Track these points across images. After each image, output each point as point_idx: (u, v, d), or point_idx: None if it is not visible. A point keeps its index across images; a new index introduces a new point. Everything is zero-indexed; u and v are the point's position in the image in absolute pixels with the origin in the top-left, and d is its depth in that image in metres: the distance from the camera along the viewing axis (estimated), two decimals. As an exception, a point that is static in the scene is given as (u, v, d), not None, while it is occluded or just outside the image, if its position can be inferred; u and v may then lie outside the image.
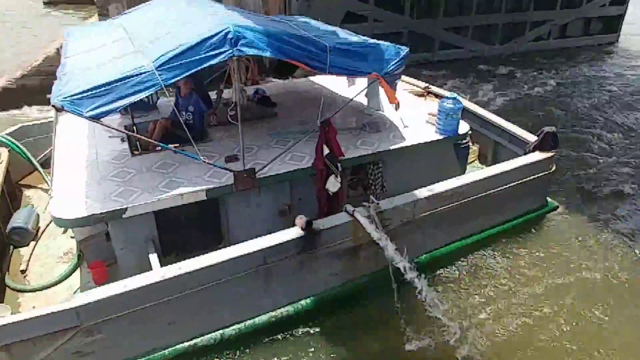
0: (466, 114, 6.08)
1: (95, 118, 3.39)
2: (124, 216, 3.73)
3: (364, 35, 4.82)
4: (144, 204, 3.75)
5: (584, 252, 5.01)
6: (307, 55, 3.96)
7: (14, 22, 12.62)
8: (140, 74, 3.48)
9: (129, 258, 3.96)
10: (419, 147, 4.78)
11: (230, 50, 3.59)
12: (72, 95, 3.32)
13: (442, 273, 4.72)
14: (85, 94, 3.35)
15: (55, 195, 3.83)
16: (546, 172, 5.08)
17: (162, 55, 3.55)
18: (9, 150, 5.26)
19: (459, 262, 4.84)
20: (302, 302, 4.09)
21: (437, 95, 6.49)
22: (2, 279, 4.19)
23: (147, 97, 4.13)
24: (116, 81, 3.43)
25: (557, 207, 5.52)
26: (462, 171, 5.24)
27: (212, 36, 3.57)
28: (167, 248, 4.11)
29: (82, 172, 4.16)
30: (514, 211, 5.11)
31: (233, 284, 3.69)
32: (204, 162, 3.89)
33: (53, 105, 3.28)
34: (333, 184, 4.30)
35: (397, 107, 4.80)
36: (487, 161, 5.96)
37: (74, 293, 4.03)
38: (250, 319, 3.90)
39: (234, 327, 3.85)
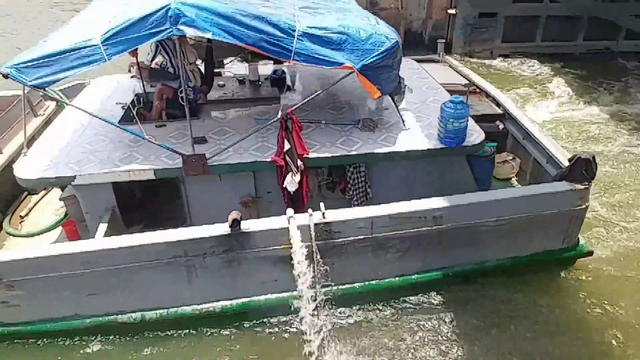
0: (511, 121, 5.13)
1: (38, 87, 3.52)
2: (73, 183, 3.88)
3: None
4: (89, 174, 3.85)
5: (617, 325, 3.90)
6: (265, 40, 3.58)
7: None
8: (86, 47, 3.48)
9: (94, 222, 4.12)
10: (411, 154, 4.12)
11: (170, 29, 3.41)
12: (19, 64, 3.47)
13: (386, 310, 4.07)
14: (31, 63, 3.47)
15: (28, 154, 4.13)
16: (574, 208, 4.01)
17: (109, 29, 3.51)
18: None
19: (424, 299, 4.14)
20: (233, 302, 3.87)
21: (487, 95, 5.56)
22: (2, 221, 4.73)
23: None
24: (62, 52, 3.49)
25: (592, 252, 4.36)
26: (483, 188, 4.41)
27: (154, 12, 3.41)
28: (127, 220, 4.21)
29: (65, 136, 4.41)
30: (523, 249, 4.17)
31: (154, 269, 3.63)
32: (148, 140, 3.84)
33: (0, 73, 3.47)
34: (290, 183, 3.93)
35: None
36: (525, 179, 4.95)
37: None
38: (173, 308, 3.83)
39: (155, 311, 3.82)
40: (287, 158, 3.90)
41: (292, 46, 3.64)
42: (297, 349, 3.68)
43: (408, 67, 5.58)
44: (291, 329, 3.89)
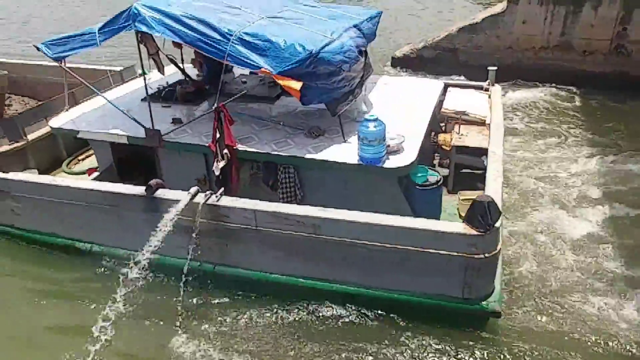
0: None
1: (55, 59, 4.77)
2: (77, 136, 5.08)
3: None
4: (86, 131, 5.00)
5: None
6: (203, 40, 4.18)
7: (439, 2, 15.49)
8: (88, 33, 4.61)
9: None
10: (327, 164, 4.22)
11: (130, 25, 4.29)
12: (47, 42, 4.78)
13: (259, 302, 4.26)
14: (53, 42, 4.74)
15: (68, 110, 5.50)
16: (468, 255, 3.59)
17: (104, 22, 4.56)
18: None
19: (301, 304, 4.20)
20: (150, 256, 4.52)
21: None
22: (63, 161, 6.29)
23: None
24: (73, 36, 4.69)
25: (499, 314, 3.77)
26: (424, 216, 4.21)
27: (124, 12, 4.32)
28: (120, 174, 5.28)
29: (100, 104, 5.64)
30: (416, 286, 3.89)
31: (98, 210, 4.56)
32: (122, 112, 4.78)
33: (34, 46, 4.83)
34: (215, 168, 4.45)
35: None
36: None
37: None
38: (105, 246, 4.70)
39: (99, 246, 4.76)
40: (217, 146, 4.43)
41: (226, 48, 4.16)
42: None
43: (398, 84, 5.66)
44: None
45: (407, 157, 4.15)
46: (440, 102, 5.55)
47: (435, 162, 5.53)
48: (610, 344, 3.76)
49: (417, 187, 4.30)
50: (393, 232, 3.71)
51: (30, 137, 5.73)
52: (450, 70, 9.29)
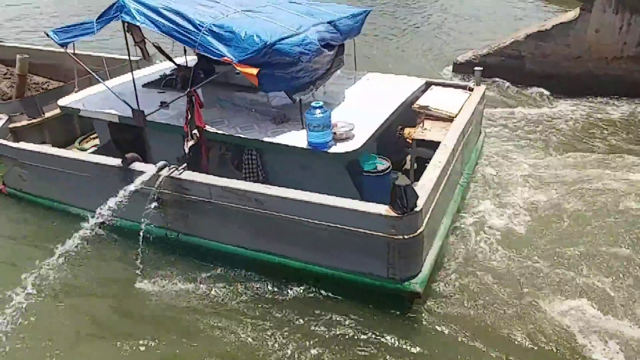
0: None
1: (61, 45, 5.41)
2: (79, 114, 5.72)
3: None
4: (85, 110, 5.62)
5: None
6: (177, 30, 4.64)
7: (502, 7, 15.52)
8: (88, 23, 5.21)
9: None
10: (276, 147, 4.58)
11: (118, 16, 4.82)
12: (55, 30, 5.43)
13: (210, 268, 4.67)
14: (61, 30, 5.38)
15: (77, 92, 6.17)
16: (389, 236, 3.83)
17: (100, 13, 5.15)
18: None
19: (250, 274, 4.57)
20: (127, 222, 5.05)
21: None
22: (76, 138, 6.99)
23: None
24: (76, 25, 5.31)
25: (418, 294, 3.96)
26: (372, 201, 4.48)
27: (114, 4, 4.86)
28: (118, 150, 5.88)
29: (107, 87, 6.27)
30: (347, 264, 4.16)
31: (89, 179, 5.13)
32: (114, 93, 5.34)
33: (45, 33, 5.50)
34: (184, 147, 4.92)
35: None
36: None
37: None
38: (90, 210, 5.21)
39: (87, 212, 5.33)
40: (188, 127, 4.90)
41: (198, 38, 4.62)
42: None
43: (378, 80, 6.00)
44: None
45: (353, 144, 4.43)
46: (415, 99, 5.76)
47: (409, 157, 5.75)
48: (531, 339, 3.84)
49: (364, 173, 4.56)
50: (323, 210, 4.01)
51: (47, 114, 6.45)
52: (515, 79, 9.14)
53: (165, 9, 4.71)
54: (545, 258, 4.64)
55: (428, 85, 6.24)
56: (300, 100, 4.85)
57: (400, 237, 3.83)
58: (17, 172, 5.72)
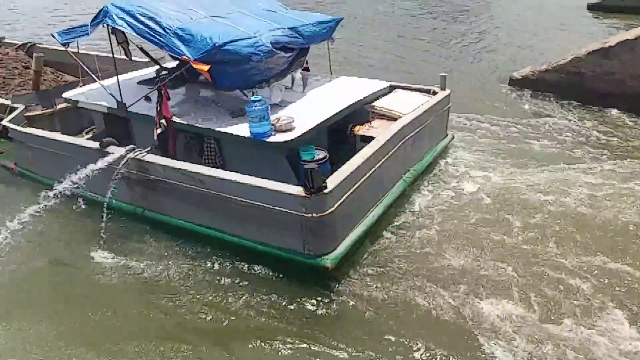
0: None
1: (62, 45, 6.27)
2: (78, 105, 6.57)
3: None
4: (82, 101, 6.45)
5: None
6: (149, 33, 5.34)
7: (554, 22, 15.93)
8: (84, 26, 6.05)
9: None
10: (228, 136, 5.16)
11: (103, 20, 5.60)
12: (59, 32, 6.32)
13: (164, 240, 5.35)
14: (64, 31, 6.26)
15: (81, 86, 7.04)
16: (300, 214, 4.31)
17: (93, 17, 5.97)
18: None
19: (196, 247, 5.19)
20: (91, 194, 5.77)
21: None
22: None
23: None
24: (75, 27, 6.17)
25: (328, 269, 4.39)
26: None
27: (101, 10, 5.65)
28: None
29: (109, 83, 7.12)
30: (271, 240, 4.68)
31: (74, 159, 5.92)
32: (102, 86, 6.14)
33: (51, 34, 6.40)
34: (154, 134, 5.62)
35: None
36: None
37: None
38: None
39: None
40: (158, 117, 5.59)
41: (165, 40, 5.32)
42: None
43: (341, 82, 6.53)
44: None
45: (290, 135, 4.95)
46: (376, 100, 6.21)
47: None
48: (435, 330, 4.14)
49: (301, 162, 5.05)
50: (249, 189, 4.55)
51: (59, 106, 7.38)
52: (574, 96, 9.05)
53: (140, 15, 5.45)
54: (464, 257, 4.91)
55: (393, 88, 6.67)
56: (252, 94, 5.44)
57: (310, 215, 4.30)
58: (26, 154, 6.64)
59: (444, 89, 6.70)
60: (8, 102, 7.33)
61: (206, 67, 5.00)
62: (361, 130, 5.66)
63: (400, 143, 5.50)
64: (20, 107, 7.06)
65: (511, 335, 4.00)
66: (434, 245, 5.08)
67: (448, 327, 4.12)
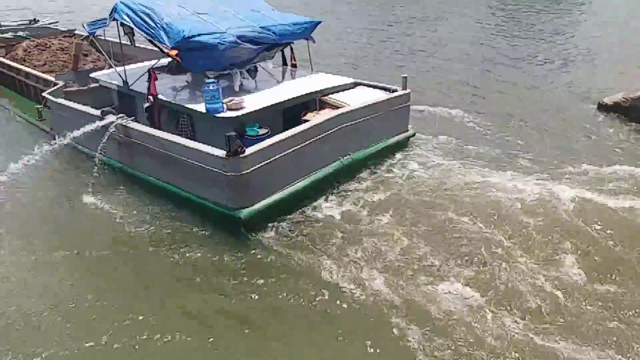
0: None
1: (89, 34, 7.79)
2: (98, 83, 8.07)
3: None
4: (101, 80, 7.94)
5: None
6: (144, 26, 6.65)
7: None
8: (104, 19, 7.52)
9: None
10: (194, 112, 6.33)
11: (113, 15, 7.01)
12: (89, 22, 7.85)
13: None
14: (92, 23, 7.78)
15: (107, 68, 8.55)
16: (223, 172, 5.35)
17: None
18: None
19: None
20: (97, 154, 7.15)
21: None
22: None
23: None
24: (100, 20, 7.66)
25: (241, 220, 5.38)
26: None
27: (114, 7, 7.07)
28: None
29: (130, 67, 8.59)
30: (200, 191, 5.82)
31: (80, 122, 7.36)
32: (115, 69, 7.57)
33: (82, 25, 7.95)
34: (143, 106, 6.92)
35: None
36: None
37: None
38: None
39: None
40: (147, 94, 6.89)
41: (154, 32, 6.60)
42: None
43: (311, 77, 7.43)
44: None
45: (237, 113, 6.01)
46: (333, 92, 7.12)
47: None
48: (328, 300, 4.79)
49: (246, 136, 6.09)
50: (191, 152, 5.67)
51: (92, 85, 8.99)
52: None
53: (140, 11, 6.78)
54: (374, 236, 5.60)
55: (357, 84, 7.54)
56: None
57: (229, 174, 5.33)
58: (56, 119, 8.26)
59: (405, 89, 7.44)
60: (52, 79, 9.05)
61: (174, 52, 6.22)
62: (308, 116, 6.59)
63: (335, 129, 6.35)
64: (60, 83, 8.73)
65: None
66: (346, 223, 5.87)
67: (331, 283, 4.94)
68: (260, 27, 6.94)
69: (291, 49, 8.16)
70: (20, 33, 13.40)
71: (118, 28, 7.21)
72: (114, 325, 4.41)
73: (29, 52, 11.67)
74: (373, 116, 6.92)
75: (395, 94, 7.28)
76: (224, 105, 6.12)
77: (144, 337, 4.28)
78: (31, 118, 9.20)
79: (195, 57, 6.41)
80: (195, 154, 5.62)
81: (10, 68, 10.50)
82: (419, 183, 6.62)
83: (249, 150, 5.38)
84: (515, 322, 4.35)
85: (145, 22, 6.67)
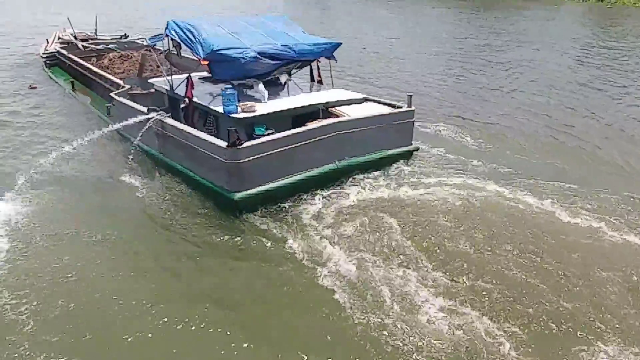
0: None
1: (150, 45, 9.38)
2: (154, 88, 9.62)
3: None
4: (155, 85, 9.47)
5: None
6: (187, 41, 8.05)
7: None
8: (161, 34, 9.07)
9: None
10: (215, 112, 7.55)
11: (166, 33, 8.49)
12: (151, 36, 9.45)
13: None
14: (152, 37, 9.37)
15: (164, 76, 10.12)
16: (224, 160, 6.45)
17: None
18: None
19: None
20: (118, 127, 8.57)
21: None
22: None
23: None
24: (159, 35, 9.24)
25: (235, 202, 6.40)
26: None
27: (166, 25, 8.56)
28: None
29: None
30: (204, 174, 6.98)
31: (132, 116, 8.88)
32: (166, 77, 9.06)
33: (147, 39, 9.56)
34: (180, 107, 8.28)
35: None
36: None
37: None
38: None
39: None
40: (184, 97, 8.25)
41: (193, 46, 7.96)
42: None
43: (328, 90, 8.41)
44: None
45: (248, 115, 7.13)
46: (342, 105, 8.06)
47: None
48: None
49: (253, 134, 7.19)
50: (202, 142, 6.85)
51: (151, 89, 10.62)
52: None
53: (185, 29, 8.19)
54: (360, 227, 6.41)
55: (366, 100, 8.44)
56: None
57: (229, 162, 6.43)
58: (117, 114, 9.92)
59: (410, 106, 8.20)
60: (120, 82, 10.82)
61: (205, 62, 7.51)
62: (310, 123, 7.56)
63: (331, 134, 7.25)
64: (127, 86, 10.44)
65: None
66: (332, 216, 6.72)
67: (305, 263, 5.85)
68: (282, 45, 8.08)
69: (317, 67, 9.24)
70: (111, 45, 15.75)
71: (169, 42, 8.70)
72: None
73: (113, 61, 13.79)
74: (372, 127, 7.74)
75: (398, 110, 8.06)
76: (239, 108, 7.27)
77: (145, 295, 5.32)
78: (102, 113, 10.99)
79: (222, 67, 7.67)
80: (205, 144, 6.80)
81: (94, 73, 12.54)
82: (414, 189, 7.33)
83: (247, 144, 6.45)
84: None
85: (188, 37, 8.07)
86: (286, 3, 40.28)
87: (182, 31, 8.18)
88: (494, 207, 6.80)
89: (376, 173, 7.81)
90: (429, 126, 10.25)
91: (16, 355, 4.42)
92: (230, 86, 7.26)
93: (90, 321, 4.88)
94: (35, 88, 13.53)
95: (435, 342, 4.56)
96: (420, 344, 4.54)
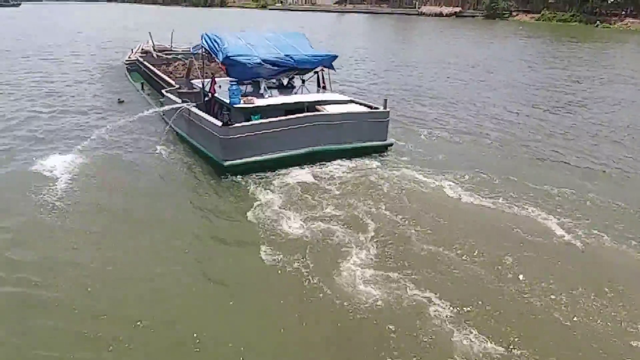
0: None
1: (192, 53, 11.89)
2: (193, 87, 12.08)
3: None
4: (194, 85, 11.93)
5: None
6: (213, 49, 10.38)
7: None
8: (197, 45, 11.54)
9: None
10: (224, 103, 9.76)
11: (201, 43, 10.91)
12: (193, 45, 11.96)
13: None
14: (195, 46, 11.88)
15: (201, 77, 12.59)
16: (220, 136, 8.59)
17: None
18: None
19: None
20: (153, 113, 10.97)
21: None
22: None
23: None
24: (197, 45, 11.73)
25: (225, 167, 8.49)
26: None
27: (202, 37, 10.98)
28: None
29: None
30: (205, 147, 9.09)
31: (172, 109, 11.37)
32: (201, 79, 11.48)
33: (192, 46, 12.09)
34: (203, 100, 10.61)
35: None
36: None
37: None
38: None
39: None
40: (209, 91, 10.57)
41: (217, 53, 10.28)
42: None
43: (322, 93, 10.27)
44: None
45: (247, 106, 9.25)
46: (327, 104, 9.97)
47: None
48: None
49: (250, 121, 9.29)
50: (206, 122, 9.06)
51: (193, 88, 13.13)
52: None
53: (213, 40, 10.55)
54: (332, 200, 8.30)
55: (352, 101, 10.29)
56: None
57: (222, 137, 8.57)
58: (165, 105, 12.51)
59: (385, 108, 9.92)
60: (173, 83, 13.49)
61: (223, 66, 9.81)
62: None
63: (310, 124, 9.16)
64: (177, 86, 13.06)
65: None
66: (298, 187, 8.59)
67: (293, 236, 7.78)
68: (285, 54, 10.17)
69: (323, 76, 11.24)
70: (179, 55, 18.82)
71: (202, 51, 11.14)
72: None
73: (177, 67, 16.73)
74: (347, 122, 9.55)
75: (374, 110, 9.80)
76: (242, 100, 9.43)
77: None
78: (156, 106, 13.70)
79: (235, 69, 9.91)
80: (209, 124, 9.00)
81: (157, 76, 15.46)
82: (376, 173, 9.02)
83: (236, 125, 8.55)
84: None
85: (214, 46, 10.42)
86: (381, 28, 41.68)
87: (211, 41, 10.55)
88: (438, 195, 8.26)
89: (349, 159, 9.57)
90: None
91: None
92: (235, 82, 9.46)
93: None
94: (122, 102, 15.53)
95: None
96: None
